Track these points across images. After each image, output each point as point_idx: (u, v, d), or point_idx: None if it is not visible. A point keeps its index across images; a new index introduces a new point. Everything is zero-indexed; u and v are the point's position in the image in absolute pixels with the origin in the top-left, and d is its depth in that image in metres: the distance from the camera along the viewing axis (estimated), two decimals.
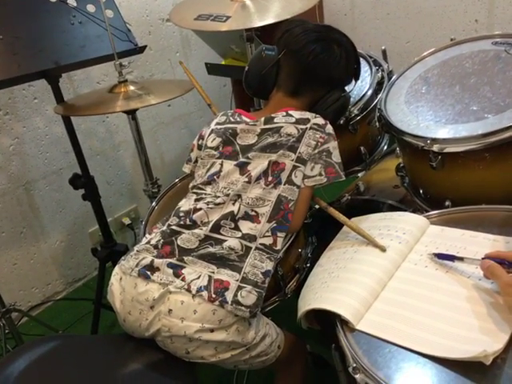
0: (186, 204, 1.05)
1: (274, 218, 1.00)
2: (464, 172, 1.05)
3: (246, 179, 1.02)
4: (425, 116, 1.11)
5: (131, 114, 1.53)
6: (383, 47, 1.40)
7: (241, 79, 1.20)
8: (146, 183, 1.65)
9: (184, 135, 2.52)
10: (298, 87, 1.13)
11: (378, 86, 1.31)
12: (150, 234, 1.04)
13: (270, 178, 1.02)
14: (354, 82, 1.21)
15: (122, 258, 1.02)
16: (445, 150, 1.01)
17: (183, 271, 0.93)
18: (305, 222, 1.12)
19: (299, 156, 1.03)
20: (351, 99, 1.22)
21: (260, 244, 0.98)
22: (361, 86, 1.31)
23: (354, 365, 0.70)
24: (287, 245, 1.07)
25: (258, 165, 1.03)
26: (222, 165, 1.07)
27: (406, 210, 1.19)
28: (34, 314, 2.02)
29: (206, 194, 1.05)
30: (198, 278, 0.92)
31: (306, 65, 1.10)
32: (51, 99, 1.59)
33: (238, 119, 1.12)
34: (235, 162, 1.05)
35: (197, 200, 1.04)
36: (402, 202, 1.36)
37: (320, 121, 1.07)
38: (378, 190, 1.49)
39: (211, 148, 1.10)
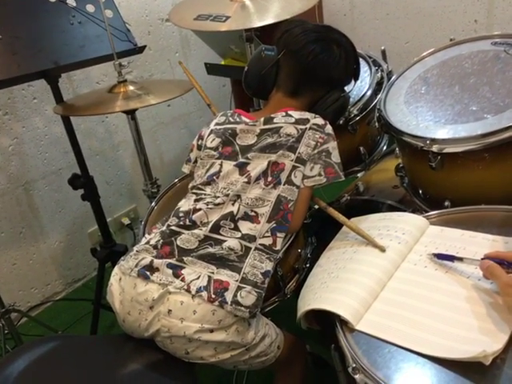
0: (185, 204, 1.05)
1: (273, 218, 1.00)
2: (463, 172, 1.05)
3: (246, 179, 1.02)
4: (424, 116, 1.11)
5: (131, 114, 1.53)
6: (383, 47, 1.41)
7: (240, 79, 1.20)
8: (145, 183, 1.65)
9: (183, 135, 2.52)
10: (298, 87, 1.13)
11: (378, 87, 1.31)
12: (149, 234, 1.04)
13: (269, 179, 1.02)
14: (353, 82, 1.21)
15: (122, 258, 1.02)
16: (444, 151, 1.01)
17: (183, 271, 0.93)
18: (304, 223, 1.12)
19: (299, 156, 1.03)
20: (351, 99, 1.22)
21: (259, 244, 0.98)
22: (360, 87, 1.31)
23: (354, 365, 0.70)
24: (287, 245, 1.07)
25: (258, 165, 1.03)
26: (221, 165, 1.07)
27: (405, 211, 1.19)
28: (34, 315, 2.01)
29: (205, 194, 1.05)
30: (198, 278, 0.92)
31: (305, 65, 1.10)
32: (50, 99, 1.59)
33: (238, 119, 1.12)
34: (235, 163, 1.05)
35: (196, 200, 1.04)
36: (402, 202, 1.36)
37: (319, 121, 1.07)
38: (377, 191, 1.49)
39: (211, 148, 1.10)
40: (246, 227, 0.98)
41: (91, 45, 1.48)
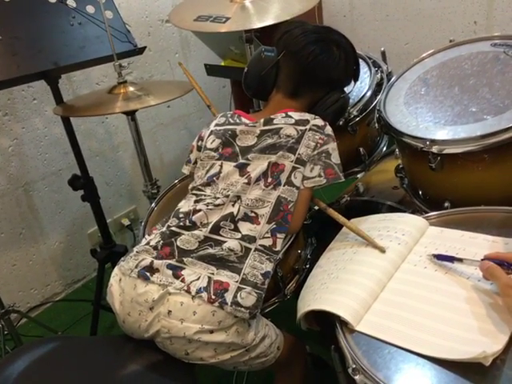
0: (185, 205, 1.05)
1: (273, 219, 1.00)
2: (463, 173, 1.05)
3: (246, 180, 1.02)
4: (424, 117, 1.11)
5: (130, 114, 1.53)
6: (382, 48, 1.41)
7: (240, 80, 1.20)
8: (145, 184, 1.65)
9: (183, 136, 2.53)
10: (298, 88, 1.13)
11: (377, 88, 1.31)
12: (149, 235, 1.04)
13: (269, 180, 1.02)
14: (353, 83, 1.21)
15: (122, 259, 1.02)
16: (444, 151, 1.01)
17: (183, 272, 0.93)
18: (304, 223, 1.12)
19: (298, 157, 1.03)
20: (350, 100, 1.22)
21: (259, 245, 0.98)
22: (360, 87, 1.32)
23: (354, 366, 0.70)
24: (287, 246, 1.07)
25: (258, 166, 1.03)
26: (221, 166, 1.07)
27: (405, 211, 1.19)
28: (33, 315, 2.01)
29: (205, 195, 1.05)
30: (198, 279, 0.92)
31: (305, 66, 1.10)
32: (50, 100, 1.59)
33: (238, 120, 1.12)
34: (235, 164, 1.05)
35: (196, 201, 1.04)
36: (402, 203, 1.36)
37: (319, 122, 1.07)
38: (377, 191, 1.49)
39: (211, 149, 1.10)
40: (245, 228, 0.98)
41: (91, 46, 1.49)
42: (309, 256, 1.21)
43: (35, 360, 0.92)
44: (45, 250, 2.04)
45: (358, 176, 1.57)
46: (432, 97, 1.16)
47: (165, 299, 0.91)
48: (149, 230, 1.08)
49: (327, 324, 0.82)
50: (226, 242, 0.96)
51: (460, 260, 0.81)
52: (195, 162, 1.15)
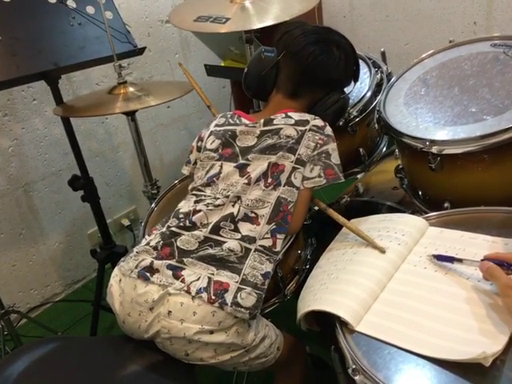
0: (185, 206, 1.05)
1: (273, 219, 1.00)
2: (463, 174, 1.05)
3: (246, 181, 1.02)
4: (424, 118, 1.11)
5: (130, 115, 1.53)
6: (382, 49, 1.41)
7: (240, 81, 1.21)
8: (145, 184, 1.65)
9: (183, 137, 2.53)
10: (298, 89, 1.13)
11: (377, 88, 1.31)
12: (149, 235, 1.04)
13: (269, 180, 1.02)
14: (353, 83, 1.21)
15: (122, 259, 1.02)
16: (444, 152, 1.01)
17: (183, 273, 0.93)
18: (304, 224, 1.12)
19: (298, 158, 1.03)
20: (350, 101, 1.22)
21: (259, 246, 0.98)
22: (360, 88, 1.32)
23: (354, 366, 0.70)
24: (286, 246, 1.07)
25: (258, 166, 1.03)
26: (221, 167, 1.07)
27: (404, 212, 1.19)
28: (33, 316, 2.01)
29: (205, 195, 1.05)
30: (198, 279, 0.92)
31: (305, 66, 1.10)
32: (50, 100, 1.59)
33: (238, 121, 1.12)
34: (235, 164, 1.05)
35: (196, 202, 1.04)
36: (401, 203, 1.36)
37: (319, 122, 1.07)
38: (377, 192, 1.49)
39: (210, 150, 1.10)
40: (245, 228, 0.98)
41: (91, 46, 1.49)
42: (309, 256, 1.21)
43: (35, 360, 0.92)
44: (45, 250, 2.04)
45: (358, 176, 1.57)
46: (432, 97, 1.16)
47: (165, 300, 0.91)
48: (149, 231, 1.08)
49: (327, 324, 0.82)
50: (226, 242, 0.96)
51: (460, 260, 0.81)
52: (195, 163, 1.15)
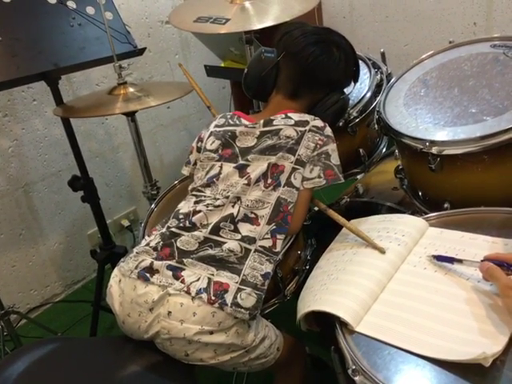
0: (185, 206, 1.05)
1: (273, 220, 1.00)
2: (463, 174, 1.05)
3: (246, 181, 1.02)
4: (423, 118, 1.11)
5: (130, 115, 1.53)
6: (382, 50, 1.41)
7: (240, 81, 1.21)
8: (145, 185, 1.65)
9: (183, 137, 2.53)
10: (297, 89, 1.13)
11: (377, 89, 1.31)
12: (149, 235, 1.04)
13: (269, 181, 1.02)
14: (353, 84, 1.21)
15: (122, 259, 1.02)
16: (443, 153, 1.01)
17: (183, 273, 0.93)
18: (304, 224, 1.12)
19: (298, 158, 1.03)
20: (350, 101, 1.23)
21: (259, 246, 0.98)
22: (360, 89, 1.32)
23: (354, 367, 0.70)
24: (286, 247, 1.07)
25: (258, 167, 1.03)
26: (221, 167, 1.07)
27: (404, 212, 1.20)
28: (33, 316, 2.01)
29: (205, 196, 1.05)
30: (198, 280, 0.92)
31: (305, 67, 1.10)
32: (50, 101, 1.59)
33: (237, 122, 1.12)
34: (234, 165, 1.05)
35: (196, 202, 1.04)
36: (401, 204, 1.36)
37: (319, 123, 1.07)
38: (376, 192, 1.49)
39: (210, 151, 1.10)
40: (245, 229, 0.98)
41: (91, 47, 1.49)
42: (309, 257, 1.20)
43: (35, 361, 0.91)
44: (44, 250, 2.04)
45: (358, 177, 1.57)
46: (431, 98, 1.16)
47: (165, 300, 0.91)
48: (148, 231, 1.08)
49: (327, 325, 0.82)
50: (225, 242, 0.96)
51: (460, 261, 0.81)
52: (195, 163, 1.15)
